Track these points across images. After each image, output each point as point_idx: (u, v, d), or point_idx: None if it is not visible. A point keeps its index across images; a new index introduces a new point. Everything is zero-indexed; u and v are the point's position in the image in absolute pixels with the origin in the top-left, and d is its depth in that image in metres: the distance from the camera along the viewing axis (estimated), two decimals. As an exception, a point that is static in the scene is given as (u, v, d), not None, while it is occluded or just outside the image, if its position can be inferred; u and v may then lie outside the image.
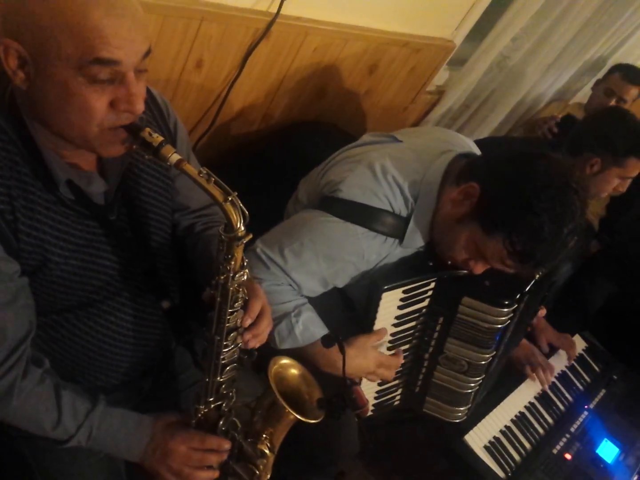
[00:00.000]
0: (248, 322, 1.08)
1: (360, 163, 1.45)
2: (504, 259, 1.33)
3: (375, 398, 1.66)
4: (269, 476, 1.23)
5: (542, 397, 1.98)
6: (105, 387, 1.25)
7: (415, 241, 1.45)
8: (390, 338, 1.54)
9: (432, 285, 1.50)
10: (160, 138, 0.93)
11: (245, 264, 1.04)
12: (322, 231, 1.39)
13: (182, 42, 1.52)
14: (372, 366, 1.48)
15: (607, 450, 1.88)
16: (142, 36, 0.90)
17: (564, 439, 1.86)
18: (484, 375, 1.64)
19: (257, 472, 1.20)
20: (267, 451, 1.19)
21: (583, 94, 3.32)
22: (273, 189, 1.74)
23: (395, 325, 1.53)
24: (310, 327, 1.40)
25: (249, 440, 1.20)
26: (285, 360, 1.21)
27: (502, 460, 1.71)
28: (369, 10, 1.89)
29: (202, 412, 1.15)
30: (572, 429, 1.91)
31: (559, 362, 2.12)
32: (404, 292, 1.47)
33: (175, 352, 1.39)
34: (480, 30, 2.45)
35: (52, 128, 0.96)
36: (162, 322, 1.26)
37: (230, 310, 1.05)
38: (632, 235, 2.83)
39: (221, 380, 1.12)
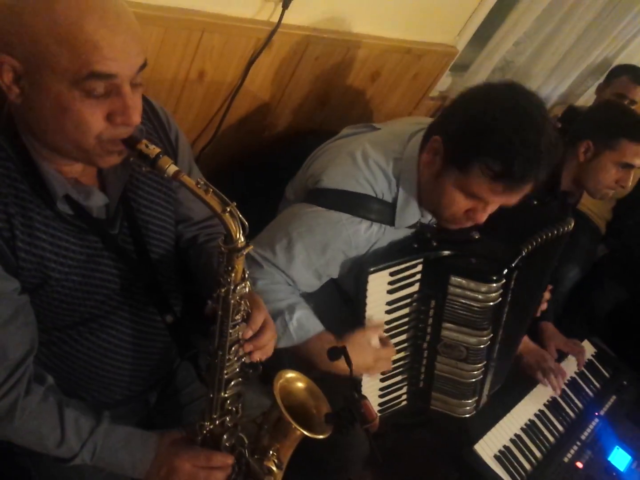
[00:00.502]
0: (249, 333, 1.07)
1: (340, 152, 1.49)
2: (493, 189, 1.33)
3: (380, 397, 1.65)
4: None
5: (552, 405, 1.95)
6: (109, 402, 1.24)
7: (408, 218, 1.47)
8: (386, 327, 1.54)
9: (420, 268, 1.51)
10: (157, 150, 0.92)
11: (246, 275, 1.03)
12: (308, 223, 1.41)
13: (184, 54, 1.51)
14: (371, 361, 1.48)
15: (619, 458, 1.85)
16: (137, 49, 0.90)
17: (575, 447, 1.83)
18: (485, 362, 1.63)
19: (265, 489, 1.18)
20: (274, 468, 1.17)
21: (587, 97, 3.31)
22: (278, 197, 1.73)
23: (388, 312, 1.53)
24: (304, 325, 1.41)
25: (256, 456, 1.18)
26: (291, 374, 1.19)
27: (512, 470, 1.68)
28: (371, 17, 1.89)
29: (208, 429, 1.14)
30: (583, 437, 1.88)
31: (568, 369, 2.09)
32: (390, 274, 1.47)
33: (180, 366, 1.37)
34: (483, 35, 2.43)
35: (47, 142, 0.95)
36: (164, 335, 1.25)
37: (232, 323, 1.04)
38: (639, 239, 2.80)
39: (226, 396, 1.11)
